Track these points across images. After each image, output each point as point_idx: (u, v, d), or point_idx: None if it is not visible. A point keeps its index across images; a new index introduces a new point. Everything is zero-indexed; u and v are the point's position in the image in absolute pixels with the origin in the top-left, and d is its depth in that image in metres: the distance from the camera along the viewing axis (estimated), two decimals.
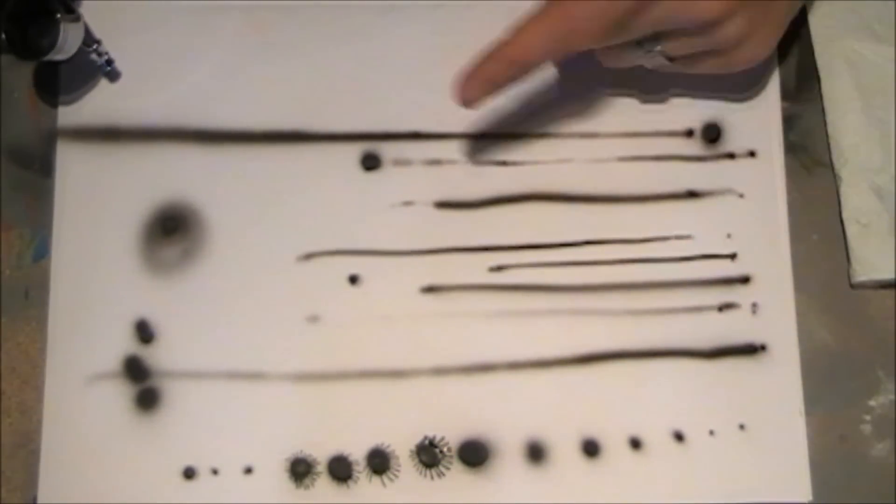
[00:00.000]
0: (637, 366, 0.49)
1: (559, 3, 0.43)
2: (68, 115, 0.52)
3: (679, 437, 0.48)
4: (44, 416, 0.49)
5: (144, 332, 0.50)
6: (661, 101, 0.51)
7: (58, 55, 0.49)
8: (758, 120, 0.51)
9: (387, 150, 0.51)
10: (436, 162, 0.51)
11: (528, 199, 0.51)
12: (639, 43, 0.46)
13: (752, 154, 0.51)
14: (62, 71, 0.52)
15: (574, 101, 0.51)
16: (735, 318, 0.49)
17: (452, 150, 0.51)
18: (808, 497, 0.48)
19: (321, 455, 0.49)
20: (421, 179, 0.51)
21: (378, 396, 0.49)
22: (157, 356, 0.50)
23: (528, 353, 0.49)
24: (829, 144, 0.51)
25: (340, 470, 0.48)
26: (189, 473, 0.49)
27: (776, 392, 0.48)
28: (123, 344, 0.50)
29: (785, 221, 0.50)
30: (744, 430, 0.48)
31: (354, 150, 0.52)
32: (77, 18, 0.49)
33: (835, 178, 0.50)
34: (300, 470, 0.49)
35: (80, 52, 0.50)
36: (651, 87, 0.51)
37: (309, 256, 0.51)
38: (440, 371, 0.49)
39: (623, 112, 0.51)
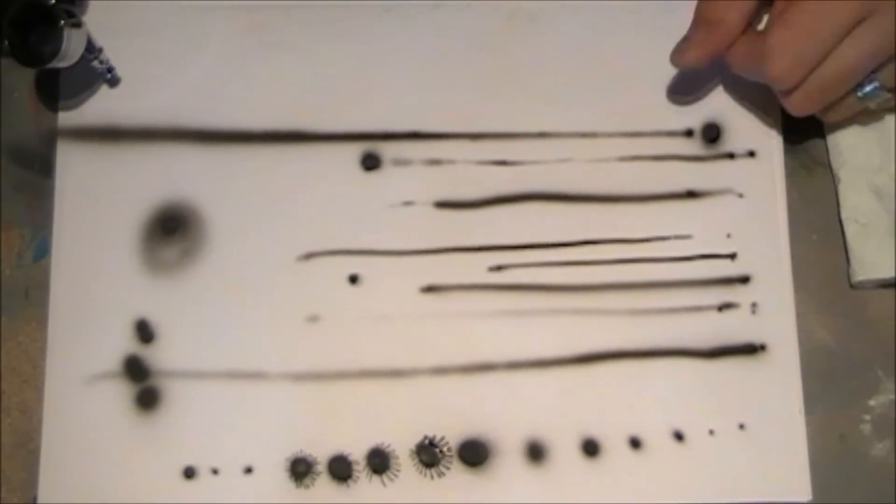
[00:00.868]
0: (637, 365, 0.49)
1: None
2: (68, 115, 0.52)
3: (679, 436, 0.48)
4: (44, 415, 0.50)
5: (144, 332, 0.50)
6: (661, 101, 0.51)
7: (60, 63, 0.49)
8: (757, 120, 0.51)
9: (387, 150, 0.51)
10: (436, 162, 0.51)
11: (528, 198, 0.51)
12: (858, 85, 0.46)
13: (751, 154, 0.51)
14: (63, 75, 0.52)
15: (574, 100, 0.51)
16: (735, 317, 0.49)
17: (452, 150, 0.51)
18: (808, 497, 0.48)
19: (321, 455, 0.49)
20: (421, 179, 0.51)
21: (378, 396, 0.49)
22: (157, 356, 0.50)
23: (527, 353, 0.49)
24: (827, 145, 0.51)
25: (340, 470, 0.48)
26: (189, 473, 0.49)
27: (776, 392, 0.49)
28: (123, 344, 0.50)
29: (784, 221, 0.50)
30: (743, 430, 0.48)
31: (354, 150, 0.52)
32: (80, 26, 0.49)
33: (834, 179, 0.50)
34: (300, 470, 0.49)
35: (81, 59, 0.50)
36: (651, 87, 0.51)
37: (309, 256, 0.51)
38: (440, 371, 0.49)
39: (623, 112, 0.51)
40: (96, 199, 0.51)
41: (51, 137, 0.52)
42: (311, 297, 0.50)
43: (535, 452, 0.48)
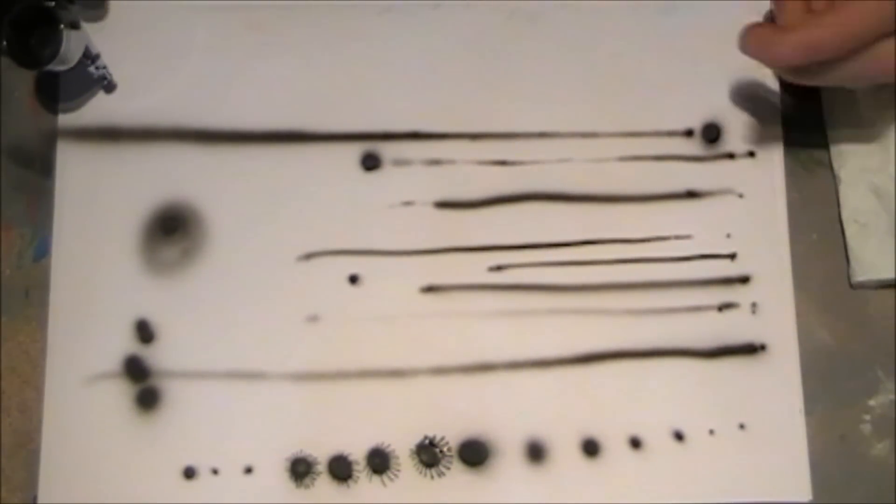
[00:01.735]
0: (637, 365, 0.49)
1: None
2: (68, 116, 0.52)
3: (679, 436, 0.48)
4: (44, 416, 0.50)
5: (144, 332, 0.50)
6: (661, 101, 0.51)
7: (59, 65, 0.49)
8: (757, 120, 0.51)
9: (387, 150, 0.51)
10: (436, 162, 0.51)
11: (528, 198, 0.51)
12: None
13: (751, 154, 0.51)
14: (62, 77, 0.52)
15: (574, 100, 0.52)
16: (735, 317, 0.49)
17: (452, 150, 0.51)
18: (808, 496, 0.48)
19: (321, 455, 0.49)
20: (421, 179, 0.51)
21: (378, 396, 0.49)
22: (157, 356, 0.50)
23: (527, 353, 0.49)
24: (828, 144, 0.51)
25: (340, 469, 0.48)
26: (189, 473, 0.49)
27: (776, 391, 0.49)
28: (123, 344, 0.50)
29: (784, 221, 0.50)
30: (743, 430, 0.48)
31: (354, 150, 0.52)
32: (79, 29, 0.49)
33: (834, 179, 0.50)
34: (300, 469, 0.49)
35: (79, 62, 0.50)
36: (651, 87, 0.51)
37: (309, 256, 0.51)
38: (440, 371, 0.49)
39: (623, 112, 0.51)
40: (96, 200, 0.51)
41: (51, 138, 0.52)
42: (311, 297, 0.50)
43: (535, 452, 0.48)
